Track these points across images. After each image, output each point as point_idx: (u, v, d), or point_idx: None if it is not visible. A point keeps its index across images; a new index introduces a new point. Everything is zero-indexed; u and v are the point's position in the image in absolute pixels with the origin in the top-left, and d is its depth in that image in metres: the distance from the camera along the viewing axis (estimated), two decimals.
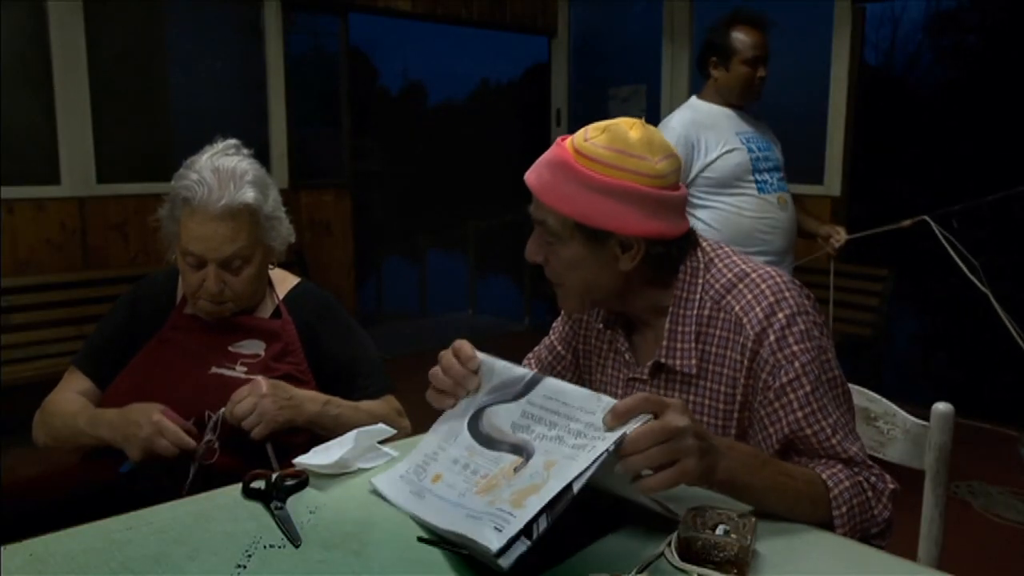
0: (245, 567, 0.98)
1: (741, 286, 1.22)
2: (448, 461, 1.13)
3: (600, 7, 5.91)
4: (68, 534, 1.06)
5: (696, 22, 5.21)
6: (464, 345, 1.19)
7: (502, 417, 1.12)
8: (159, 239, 1.66)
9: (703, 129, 2.67)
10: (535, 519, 0.91)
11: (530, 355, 1.53)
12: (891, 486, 1.16)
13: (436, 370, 1.19)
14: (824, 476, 1.13)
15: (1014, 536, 2.98)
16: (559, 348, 1.48)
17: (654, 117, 3.52)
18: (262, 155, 2.03)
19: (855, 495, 1.12)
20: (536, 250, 1.27)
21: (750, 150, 2.70)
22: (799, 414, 1.16)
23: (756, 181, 2.69)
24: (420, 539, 1.04)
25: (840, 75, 4.49)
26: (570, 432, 1.02)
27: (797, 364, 1.17)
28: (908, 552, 1.16)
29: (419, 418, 1.61)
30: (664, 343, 1.26)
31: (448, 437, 1.16)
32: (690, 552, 0.97)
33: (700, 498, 1.07)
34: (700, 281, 1.25)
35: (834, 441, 1.16)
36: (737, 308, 1.21)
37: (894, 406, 1.42)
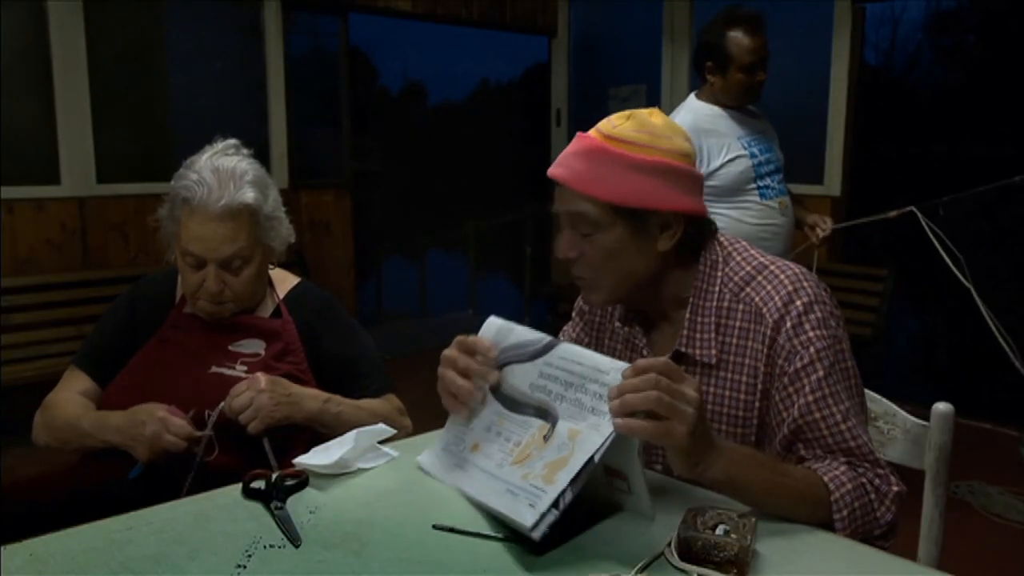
0: (245, 567, 0.98)
1: (760, 278, 1.24)
2: (482, 429, 1.17)
3: (600, 7, 5.91)
4: (68, 534, 1.06)
5: (696, 22, 5.21)
6: (473, 340, 1.18)
7: (519, 377, 1.15)
8: (159, 239, 1.66)
9: (704, 135, 2.63)
10: (563, 492, 0.98)
11: None
12: (895, 488, 1.16)
13: (452, 375, 1.17)
14: (826, 479, 1.12)
15: (1014, 536, 2.98)
16: None
17: None
18: (262, 155, 2.03)
19: (857, 497, 1.12)
20: (569, 246, 1.25)
21: (752, 155, 2.67)
22: (810, 398, 1.17)
23: (758, 187, 2.67)
24: (435, 526, 1.07)
25: (840, 75, 4.49)
26: (588, 393, 1.05)
27: (812, 350, 1.18)
28: (908, 552, 1.16)
29: (419, 418, 1.62)
30: (684, 332, 1.26)
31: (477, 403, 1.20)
32: (690, 552, 0.97)
33: (700, 498, 1.07)
34: (719, 274, 1.27)
35: (843, 428, 1.16)
36: (757, 299, 1.23)
37: (894, 406, 1.42)
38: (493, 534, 1.05)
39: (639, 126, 1.21)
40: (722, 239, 1.31)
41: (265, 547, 1.03)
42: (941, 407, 1.32)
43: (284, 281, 1.76)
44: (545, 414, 1.11)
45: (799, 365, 1.18)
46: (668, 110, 1.76)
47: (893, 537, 1.16)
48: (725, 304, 1.25)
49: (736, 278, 1.26)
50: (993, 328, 2.73)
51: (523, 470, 1.07)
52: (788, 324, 1.19)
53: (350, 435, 1.30)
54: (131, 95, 4.38)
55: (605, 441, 1.00)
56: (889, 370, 5.76)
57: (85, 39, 3.99)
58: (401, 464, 1.30)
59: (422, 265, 7.94)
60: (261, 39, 4.72)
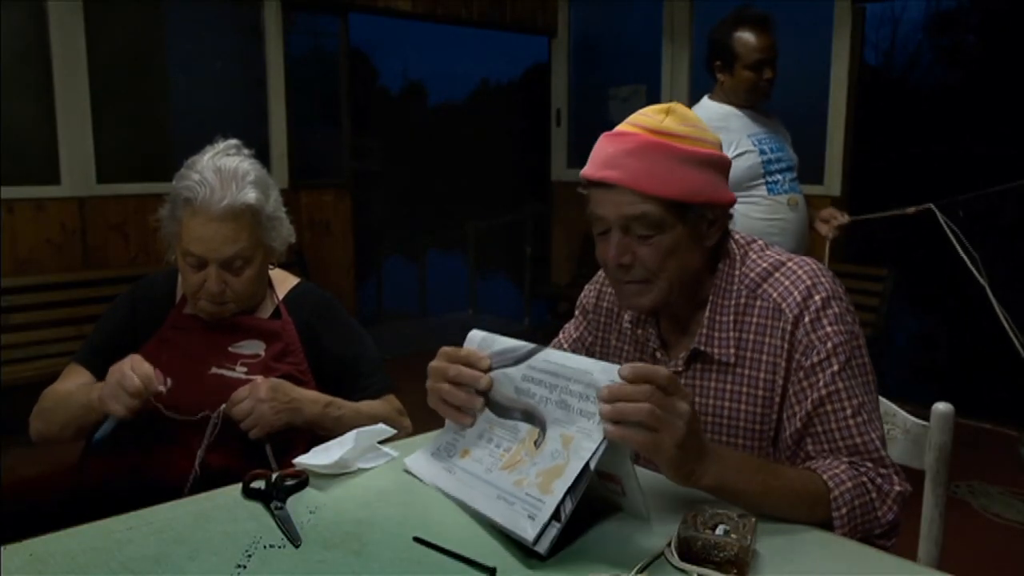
0: (245, 567, 0.98)
1: (777, 275, 1.24)
2: (474, 436, 1.17)
3: (600, 7, 5.91)
4: (68, 534, 1.06)
5: (696, 22, 5.21)
6: (465, 351, 1.18)
7: (505, 383, 1.15)
8: (159, 239, 1.66)
9: (714, 131, 2.65)
10: (562, 502, 0.98)
11: None
12: (898, 488, 1.15)
13: (448, 387, 1.17)
14: (825, 477, 1.12)
15: (1014, 536, 2.98)
16: (570, 352, 1.47)
17: None
18: (262, 155, 2.03)
19: (857, 496, 1.12)
20: (623, 251, 1.21)
21: (762, 152, 2.69)
22: (823, 392, 1.17)
23: (767, 183, 2.68)
24: (416, 539, 1.04)
25: (840, 75, 4.49)
26: (572, 394, 1.05)
27: (829, 344, 1.18)
28: (908, 552, 1.16)
29: (419, 418, 1.61)
30: (703, 331, 1.26)
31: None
32: (690, 552, 0.97)
33: (700, 498, 1.07)
34: (736, 272, 1.26)
35: (851, 423, 1.16)
36: (775, 295, 1.22)
37: (894, 406, 1.42)
38: (475, 559, 0.99)
39: (683, 119, 1.20)
40: (737, 237, 1.31)
41: (265, 547, 1.03)
42: (941, 407, 1.32)
43: (284, 281, 1.76)
44: (532, 418, 1.10)
45: (816, 360, 1.18)
46: None
47: (895, 536, 1.16)
48: (742, 301, 1.25)
49: (752, 275, 1.25)
50: (1007, 326, 2.71)
51: (515, 476, 1.06)
52: (807, 319, 1.19)
53: (350, 435, 1.30)
54: (131, 95, 4.38)
55: (598, 448, 0.99)
56: (889, 370, 5.75)
57: (85, 39, 3.99)
58: (401, 464, 1.30)
59: (422, 265, 7.93)
60: (261, 39, 4.72)
